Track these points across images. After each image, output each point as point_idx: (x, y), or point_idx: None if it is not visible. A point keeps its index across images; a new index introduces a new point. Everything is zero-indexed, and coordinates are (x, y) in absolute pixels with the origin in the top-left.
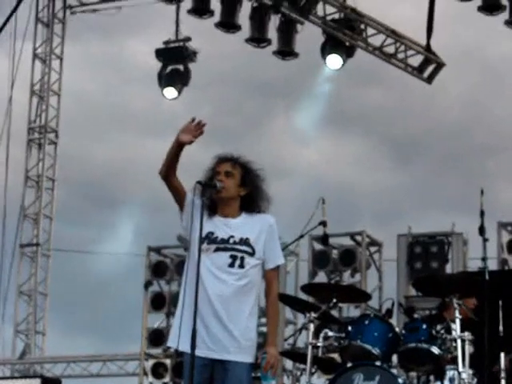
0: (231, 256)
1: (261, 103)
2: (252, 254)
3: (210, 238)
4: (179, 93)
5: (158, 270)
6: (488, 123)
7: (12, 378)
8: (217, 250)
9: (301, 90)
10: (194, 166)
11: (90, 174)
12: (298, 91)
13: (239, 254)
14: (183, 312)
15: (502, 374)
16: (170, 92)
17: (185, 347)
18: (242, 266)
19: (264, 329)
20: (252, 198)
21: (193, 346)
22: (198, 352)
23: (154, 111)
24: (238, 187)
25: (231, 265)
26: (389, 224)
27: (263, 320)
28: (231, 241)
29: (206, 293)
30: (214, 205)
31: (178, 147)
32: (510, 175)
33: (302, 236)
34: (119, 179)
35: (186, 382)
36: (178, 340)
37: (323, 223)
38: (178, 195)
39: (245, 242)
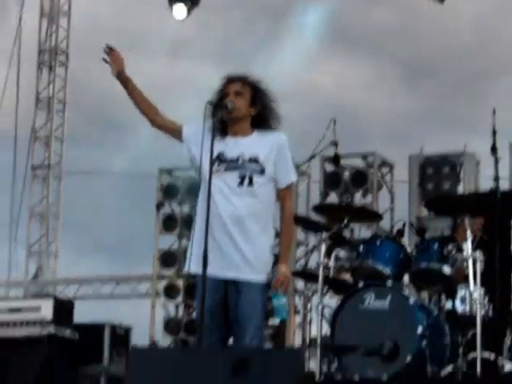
0: (240, 175)
1: (271, 24)
2: (261, 173)
3: (220, 159)
4: (189, 12)
5: (169, 192)
6: (500, 45)
7: (25, 298)
8: (227, 169)
9: (307, 10)
10: (207, 89)
11: (100, 96)
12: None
13: (248, 173)
14: (195, 234)
15: None
16: (180, 9)
17: (196, 269)
18: (251, 184)
19: (277, 249)
20: (263, 117)
21: (204, 266)
22: (211, 273)
23: (164, 32)
24: (248, 107)
25: (240, 183)
26: (400, 145)
27: (276, 240)
28: (240, 160)
29: (219, 213)
30: (224, 126)
31: (121, 83)
32: None
33: (313, 156)
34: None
35: (198, 303)
36: (189, 262)
37: (334, 143)
38: (173, 133)
39: (254, 160)
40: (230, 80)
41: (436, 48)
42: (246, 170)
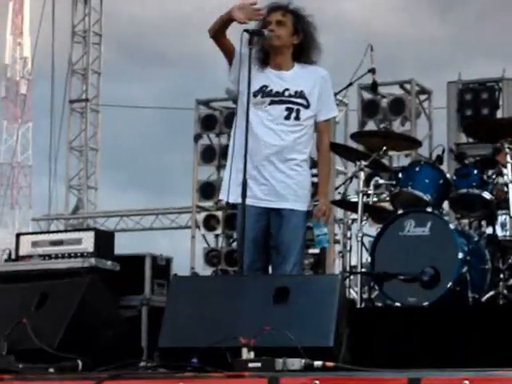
0: (287, 108)
1: None
2: (307, 107)
3: (264, 92)
4: None
5: (207, 123)
6: None
7: (66, 231)
8: (272, 103)
9: None
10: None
11: (136, 30)
12: None
13: (295, 107)
14: (233, 163)
15: None
16: None
17: (236, 198)
18: (297, 118)
19: (316, 179)
20: (304, 47)
21: (244, 194)
22: (252, 201)
23: None
24: (290, 35)
25: (287, 117)
26: (437, 72)
27: (315, 171)
28: (286, 93)
29: (261, 143)
30: (266, 56)
31: (228, 20)
32: None
33: (350, 84)
34: (167, 36)
35: (238, 232)
36: (227, 192)
37: (372, 70)
38: (227, 52)
39: (300, 94)
40: (271, 9)
41: None
42: (293, 104)
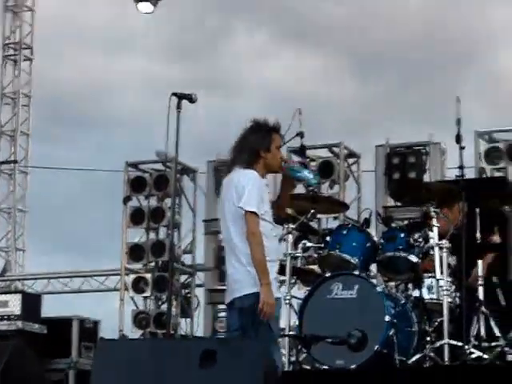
0: None
1: (222, 19)
2: None
3: None
4: (154, 6)
5: (136, 185)
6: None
7: None
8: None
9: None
10: (157, 82)
11: (63, 92)
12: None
13: None
14: None
15: (480, 281)
16: (145, 5)
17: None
18: None
19: None
20: None
21: None
22: None
23: (121, 27)
24: None
25: None
26: (365, 136)
27: None
28: None
29: None
30: None
31: None
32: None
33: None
34: (94, 98)
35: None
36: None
37: (300, 134)
38: None
39: None
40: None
41: (387, 38)
42: None
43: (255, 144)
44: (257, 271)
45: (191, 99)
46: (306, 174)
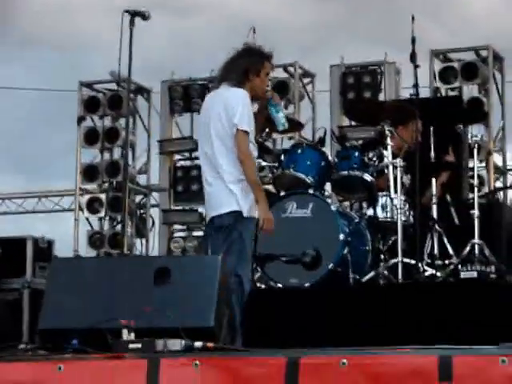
0: None
1: None
2: None
3: None
4: None
5: (90, 106)
6: None
7: None
8: None
9: None
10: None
11: (18, 10)
12: None
13: None
14: None
15: (434, 200)
16: None
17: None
18: None
19: None
20: None
21: None
22: None
23: None
24: None
25: None
26: (320, 56)
27: None
28: None
29: None
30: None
31: None
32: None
33: None
34: (48, 17)
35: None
36: None
37: None
38: None
39: None
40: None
41: None
42: None
43: (246, 65)
44: (253, 190)
45: (144, 16)
46: (281, 116)
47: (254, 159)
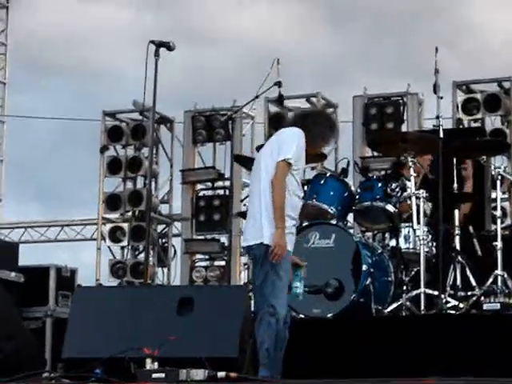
0: None
1: None
2: None
3: None
4: None
5: (113, 135)
6: None
7: None
8: None
9: None
10: (131, 31)
11: (41, 41)
12: None
13: None
14: None
15: (456, 231)
16: None
17: None
18: None
19: None
20: None
21: None
22: None
23: None
24: None
25: None
26: (342, 87)
27: None
28: None
29: None
30: None
31: None
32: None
33: (256, 97)
34: (72, 48)
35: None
36: None
37: (278, 83)
38: None
39: None
40: None
41: None
42: None
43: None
44: (274, 214)
45: (169, 47)
46: (299, 287)
47: (285, 187)
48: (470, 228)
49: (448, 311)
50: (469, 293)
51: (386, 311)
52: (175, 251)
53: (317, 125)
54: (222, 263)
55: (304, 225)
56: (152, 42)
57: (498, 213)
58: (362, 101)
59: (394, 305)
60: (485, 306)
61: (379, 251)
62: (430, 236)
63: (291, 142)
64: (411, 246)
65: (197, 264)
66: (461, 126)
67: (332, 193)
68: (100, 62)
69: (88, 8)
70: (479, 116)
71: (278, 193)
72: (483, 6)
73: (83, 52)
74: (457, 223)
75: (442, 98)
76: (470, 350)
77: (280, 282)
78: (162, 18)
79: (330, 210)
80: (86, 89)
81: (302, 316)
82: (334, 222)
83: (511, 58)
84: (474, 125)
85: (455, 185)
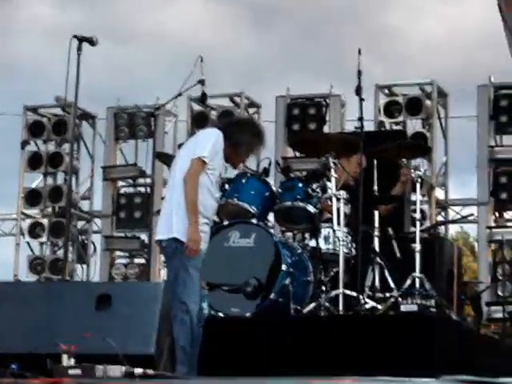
0: None
1: None
2: None
3: None
4: None
5: (34, 130)
6: None
7: None
8: None
9: None
10: (53, 27)
11: None
12: None
13: None
14: None
15: (376, 232)
16: None
17: None
18: None
19: None
20: None
21: None
22: None
23: None
24: None
25: None
26: (266, 86)
27: None
28: None
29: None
30: None
31: None
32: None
33: (179, 95)
34: None
35: None
36: None
37: (201, 82)
38: None
39: None
40: None
41: None
42: None
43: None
44: (186, 210)
45: (92, 42)
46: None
47: (197, 184)
48: (390, 230)
49: (366, 312)
50: (387, 294)
51: (304, 311)
52: (95, 248)
53: (242, 132)
54: (142, 261)
55: (225, 224)
56: (75, 36)
57: (418, 215)
58: (284, 101)
59: (313, 305)
60: (402, 308)
61: (299, 251)
62: (350, 237)
63: (208, 141)
64: (331, 247)
65: (116, 261)
66: (382, 129)
67: (253, 192)
68: (22, 57)
69: (11, 3)
70: (401, 119)
71: (189, 188)
72: (402, 11)
73: (4, 47)
74: (376, 225)
75: (364, 100)
76: (388, 350)
77: (190, 278)
78: (87, 14)
79: (250, 210)
80: (8, 83)
81: (221, 314)
82: (254, 221)
83: (431, 61)
84: (395, 127)
85: (375, 187)
